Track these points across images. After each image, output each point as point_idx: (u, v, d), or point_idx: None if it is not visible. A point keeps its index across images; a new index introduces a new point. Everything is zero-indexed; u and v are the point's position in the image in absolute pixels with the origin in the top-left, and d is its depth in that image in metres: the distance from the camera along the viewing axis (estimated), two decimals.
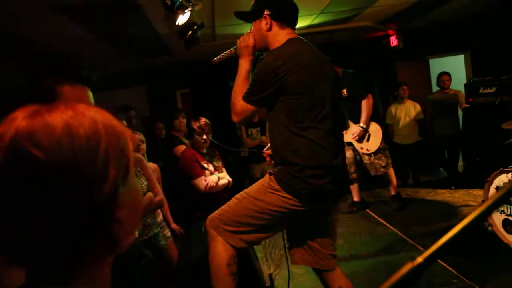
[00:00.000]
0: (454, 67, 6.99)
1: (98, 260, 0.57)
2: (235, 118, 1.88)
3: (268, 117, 1.83)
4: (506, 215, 3.05)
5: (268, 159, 1.95)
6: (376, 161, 4.36)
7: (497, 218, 3.13)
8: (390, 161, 4.44)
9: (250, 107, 1.78)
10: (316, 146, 1.70)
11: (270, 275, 3.22)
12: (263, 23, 1.82)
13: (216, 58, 2.04)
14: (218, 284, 1.82)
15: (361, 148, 4.39)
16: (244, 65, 1.90)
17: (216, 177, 3.13)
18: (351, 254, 3.48)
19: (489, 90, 4.68)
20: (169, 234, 2.61)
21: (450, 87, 5.50)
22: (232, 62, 1.99)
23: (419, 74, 6.95)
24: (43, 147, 0.48)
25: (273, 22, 1.81)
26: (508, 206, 3.02)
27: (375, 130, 4.33)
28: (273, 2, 1.83)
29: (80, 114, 0.53)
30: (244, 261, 1.89)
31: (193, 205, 3.15)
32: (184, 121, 4.19)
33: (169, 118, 4.33)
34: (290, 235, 2.05)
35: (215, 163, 3.25)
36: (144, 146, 2.63)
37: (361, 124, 4.26)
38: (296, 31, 1.89)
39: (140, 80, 6.94)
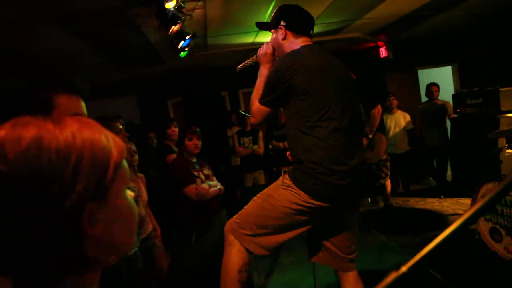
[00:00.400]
0: (442, 78, 7.12)
1: (73, 277, 0.56)
2: (252, 120, 1.99)
3: (285, 120, 1.94)
4: (493, 223, 3.10)
5: (290, 159, 1.96)
6: (377, 171, 4.40)
7: (485, 227, 3.18)
8: (389, 173, 4.49)
9: (264, 108, 1.90)
10: (323, 143, 1.75)
11: (261, 286, 3.22)
12: (279, 33, 1.95)
13: (240, 65, 2.17)
14: None
15: None
16: (263, 71, 2.01)
17: (207, 185, 3.13)
18: None
19: (475, 101, 4.78)
20: (160, 243, 2.60)
21: (439, 98, 5.60)
22: (251, 69, 2.15)
23: (408, 84, 7.06)
24: (7, 158, 0.49)
25: (287, 32, 1.94)
26: (495, 215, 3.07)
27: (380, 141, 4.36)
28: (288, 14, 1.96)
29: (61, 127, 0.54)
30: None
31: (185, 213, 3.14)
32: (176, 130, 4.21)
33: (161, 127, 4.34)
34: (309, 233, 2.06)
35: (205, 172, 3.25)
36: (136, 157, 2.63)
37: (367, 134, 4.31)
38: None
39: (131, 89, 6.93)
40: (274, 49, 2.00)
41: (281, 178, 1.88)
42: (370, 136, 4.29)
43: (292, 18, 1.94)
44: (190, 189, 3.03)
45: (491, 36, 6.42)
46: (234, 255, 1.85)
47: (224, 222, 2.45)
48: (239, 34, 4.75)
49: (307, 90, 1.76)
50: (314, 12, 4.24)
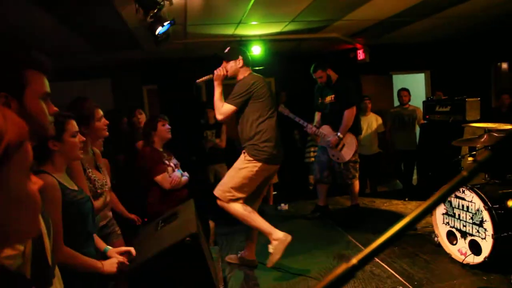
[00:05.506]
0: (416, 84, 7.35)
1: None
2: (220, 117, 3.04)
3: (239, 116, 3.01)
4: (450, 226, 3.25)
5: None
6: (344, 171, 4.48)
7: (443, 230, 3.32)
8: (357, 174, 4.57)
9: (232, 107, 2.97)
10: (271, 129, 2.96)
11: (225, 278, 3.23)
12: (238, 63, 3.05)
13: (199, 79, 3.15)
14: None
15: (333, 155, 4.48)
16: (217, 87, 3.06)
17: (179, 173, 3.11)
18: (304, 257, 3.57)
19: (444, 109, 4.95)
20: (119, 231, 2.53)
21: (411, 103, 5.76)
22: (208, 83, 3.23)
23: (383, 88, 7.24)
24: None
25: (244, 63, 3.06)
26: (453, 219, 3.21)
27: (350, 142, 4.40)
28: (244, 53, 3.11)
29: None
30: (198, 261, 1.88)
31: (152, 202, 3.10)
32: (141, 117, 4.24)
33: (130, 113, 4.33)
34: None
35: (173, 161, 3.23)
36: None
37: (338, 133, 4.36)
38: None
39: (106, 72, 6.76)
40: (226, 74, 3.04)
41: (242, 156, 3.00)
42: (340, 136, 4.36)
43: (246, 55, 3.08)
44: (164, 178, 2.99)
45: (462, 49, 6.67)
46: (235, 207, 2.97)
47: (192, 211, 2.44)
48: (220, 24, 4.71)
49: (262, 96, 2.92)
50: (296, 9, 4.27)
